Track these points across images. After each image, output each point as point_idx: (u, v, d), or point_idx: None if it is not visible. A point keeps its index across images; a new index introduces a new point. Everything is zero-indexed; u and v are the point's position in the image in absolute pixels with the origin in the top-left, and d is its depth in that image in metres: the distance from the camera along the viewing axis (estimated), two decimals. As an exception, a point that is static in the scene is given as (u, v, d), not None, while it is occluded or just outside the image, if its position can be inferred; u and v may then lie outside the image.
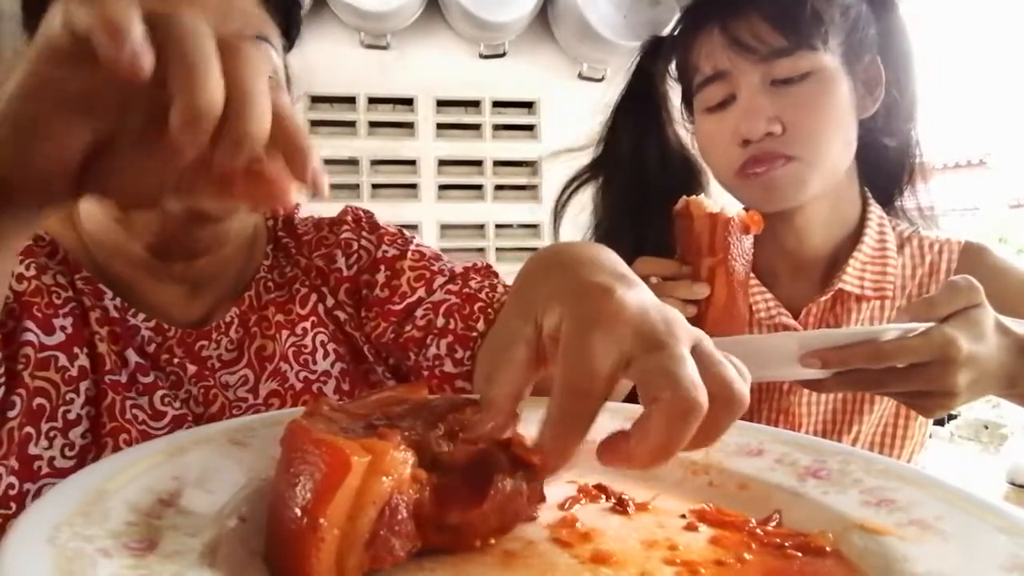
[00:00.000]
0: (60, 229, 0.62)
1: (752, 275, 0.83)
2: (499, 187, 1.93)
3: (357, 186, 1.85)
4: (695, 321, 0.71)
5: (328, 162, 1.84)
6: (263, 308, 0.67)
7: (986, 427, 2.69)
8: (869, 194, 0.89)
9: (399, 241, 0.72)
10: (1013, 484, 2.08)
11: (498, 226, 1.93)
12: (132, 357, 0.59)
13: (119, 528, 0.29)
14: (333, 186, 1.82)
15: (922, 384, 0.60)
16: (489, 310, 0.66)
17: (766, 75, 0.78)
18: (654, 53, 0.94)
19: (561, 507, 0.39)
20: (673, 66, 0.93)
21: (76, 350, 0.57)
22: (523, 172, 1.93)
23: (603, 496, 0.41)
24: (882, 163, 0.89)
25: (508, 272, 0.62)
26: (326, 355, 0.67)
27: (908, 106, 0.86)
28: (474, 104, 1.90)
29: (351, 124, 1.84)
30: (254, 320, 0.66)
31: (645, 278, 0.72)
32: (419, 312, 0.67)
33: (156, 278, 0.62)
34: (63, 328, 0.57)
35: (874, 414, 0.86)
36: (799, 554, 0.34)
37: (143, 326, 0.61)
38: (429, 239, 1.86)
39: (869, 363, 0.59)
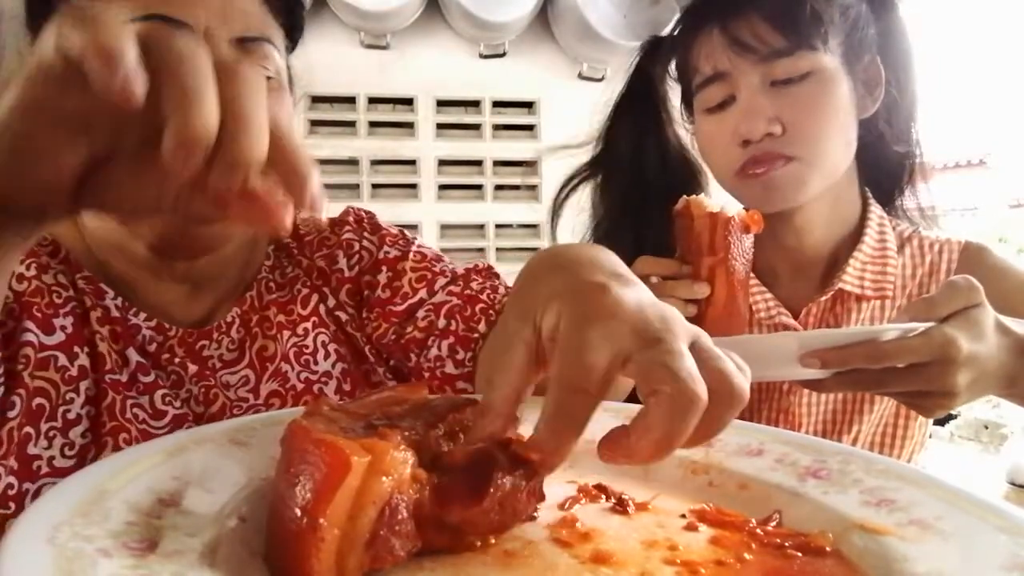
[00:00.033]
0: (62, 228, 0.62)
1: (752, 275, 0.83)
2: (499, 187, 1.93)
3: (357, 186, 1.85)
4: (695, 321, 0.71)
5: (328, 162, 1.84)
6: (264, 308, 0.67)
7: (986, 427, 2.69)
8: (869, 194, 0.89)
9: (401, 242, 0.72)
10: (1013, 484, 2.08)
11: (498, 226, 1.93)
12: (133, 356, 0.59)
13: (119, 528, 0.29)
14: (333, 186, 1.83)
15: (922, 384, 0.60)
16: (490, 311, 0.66)
17: (766, 75, 0.78)
18: (654, 53, 0.94)
19: (561, 507, 0.40)
20: (673, 66, 0.93)
21: (76, 349, 0.57)
22: (523, 172, 1.93)
23: (603, 496, 0.41)
24: (882, 163, 0.89)
25: (508, 272, 0.62)
26: (327, 355, 0.67)
27: (908, 106, 0.86)
28: (474, 104, 1.90)
29: (351, 124, 1.84)
30: (255, 320, 0.66)
31: (645, 278, 0.72)
32: (420, 313, 0.67)
33: (157, 277, 0.62)
34: (63, 328, 0.57)
35: (874, 414, 0.86)
36: (799, 554, 0.34)
37: (144, 325, 0.61)
38: (429, 239, 1.86)
39: (869, 363, 0.59)
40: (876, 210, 0.88)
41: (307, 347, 0.66)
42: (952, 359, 0.58)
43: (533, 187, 1.94)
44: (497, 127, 1.92)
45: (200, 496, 0.34)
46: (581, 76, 1.92)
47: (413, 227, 1.85)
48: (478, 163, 1.91)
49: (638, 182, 0.93)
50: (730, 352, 0.32)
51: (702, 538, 0.36)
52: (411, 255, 0.70)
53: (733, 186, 0.84)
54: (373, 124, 1.86)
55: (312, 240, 0.72)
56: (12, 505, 0.52)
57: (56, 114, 0.31)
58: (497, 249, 1.92)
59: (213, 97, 0.30)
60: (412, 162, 1.88)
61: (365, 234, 0.72)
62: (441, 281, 0.69)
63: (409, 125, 1.87)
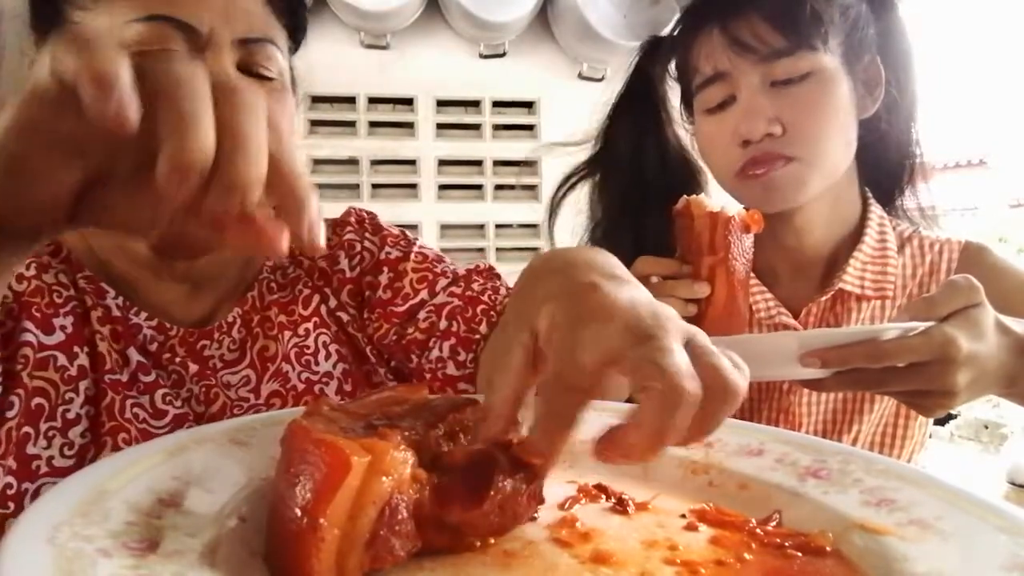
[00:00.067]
0: None
1: (752, 275, 0.83)
2: (499, 187, 1.93)
3: (357, 186, 1.85)
4: (695, 320, 0.71)
5: (328, 162, 1.84)
6: (266, 308, 0.67)
7: (986, 427, 2.70)
8: (870, 194, 0.89)
9: (402, 243, 0.72)
10: (1013, 484, 2.08)
11: (498, 226, 1.93)
12: (134, 356, 0.60)
13: (119, 528, 0.29)
14: (333, 186, 1.83)
15: (922, 383, 0.60)
16: (492, 312, 0.66)
17: (766, 76, 0.78)
18: (653, 53, 0.94)
19: (561, 507, 0.40)
20: (672, 66, 0.93)
21: (76, 349, 0.57)
22: (523, 172, 1.93)
23: (603, 496, 0.41)
24: (882, 163, 0.89)
25: (508, 272, 0.62)
26: (328, 356, 0.67)
27: (908, 106, 0.86)
28: (474, 104, 1.91)
29: (351, 124, 1.84)
30: (256, 320, 0.66)
31: (645, 277, 0.72)
32: (422, 314, 0.67)
33: (158, 277, 0.62)
34: (63, 328, 0.57)
35: (874, 414, 0.86)
36: (799, 554, 0.34)
37: (145, 325, 0.61)
38: (429, 239, 1.86)
39: (869, 362, 0.59)
40: (876, 210, 0.88)
41: (308, 347, 0.66)
42: (952, 358, 0.58)
43: (533, 187, 1.94)
44: (497, 127, 1.92)
45: (200, 496, 0.34)
46: (581, 76, 1.92)
47: (413, 227, 1.85)
48: (478, 163, 1.91)
49: (637, 182, 0.93)
50: (728, 351, 0.32)
51: (702, 538, 0.36)
52: (412, 256, 0.70)
53: (733, 187, 0.84)
54: (373, 124, 1.86)
55: None
56: (11, 505, 0.52)
57: (51, 136, 0.31)
58: (497, 249, 1.92)
59: (209, 120, 0.29)
60: (412, 162, 1.88)
61: (367, 235, 0.72)
62: (442, 282, 0.69)
63: (409, 125, 1.87)
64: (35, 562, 0.25)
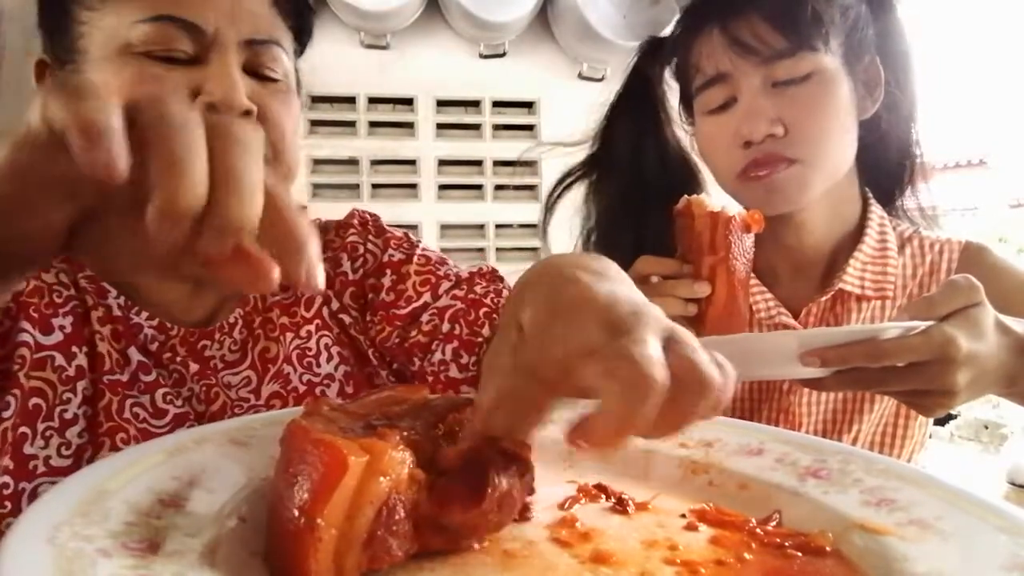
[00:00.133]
0: None
1: (752, 275, 0.83)
2: (499, 187, 1.93)
3: (357, 186, 1.85)
4: (696, 320, 0.71)
5: (328, 162, 1.84)
6: (267, 310, 0.67)
7: (986, 427, 2.70)
8: (870, 194, 0.89)
9: (405, 245, 0.72)
10: (1013, 484, 2.08)
11: (498, 226, 1.93)
12: (135, 355, 0.60)
13: (119, 528, 0.29)
14: (333, 186, 1.83)
15: (922, 383, 0.60)
16: (494, 315, 0.66)
17: (767, 77, 0.78)
18: (652, 54, 0.94)
19: (561, 507, 0.40)
20: (671, 68, 0.93)
21: (74, 349, 0.57)
22: (523, 172, 1.93)
23: (603, 496, 0.41)
24: (882, 163, 0.89)
25: (509, 272, 0.62)
26: (330, 358, 0.67)
27: (908, 106, 0.86)
28: (474, 104, 1.90)
29: (351, 124, 1.84)
30: (258, 322, 0.66)
31: (646, 277, 0.72)
32: (424, 317, 0.67)
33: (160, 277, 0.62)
34: (62, 327, 0.57)
35: (874, 414, 0.86)
36: (799, 554, 0.34)
37: (146, 324, 0.61)
38: (429, 239, 1.86)
39: (869, 361, 0.59)
40: (876, 210, 0.88)
41: (310, 349, 0.66)
42: (952, 358, 0.58)
43: (533, 187, 1.94)
44: (497, 127, 1.92)
45: (200, 496, 0.34)
46: (581, 76, 1.92)
47: (413, 227, 1.85)
48: (478, 163, 1.91)
49: (637, 182, 0.93)
50: (714, 353, 0.31)
51: (702, 538, 0.36)
52: (415, 258, 0.70)
53: (735, 188, 0.84)
54: (373, 124, 1.86)
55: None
56: (8, 504, 0.52)
57: (43, 179, 0.31)
58: (497, 249, 1.92)
59: (201, 164, 0.29)
60: (412, 162, 1.88)
61: (370, 237, 0.72)
62: (445, 285, 0.69)
63: (409, 125, 1.87)
64: (35, 562, 0.25)
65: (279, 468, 0.32)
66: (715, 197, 0.73)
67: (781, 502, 0.39)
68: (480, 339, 0.65)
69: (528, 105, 1.94)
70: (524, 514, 0.38)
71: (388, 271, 0.70)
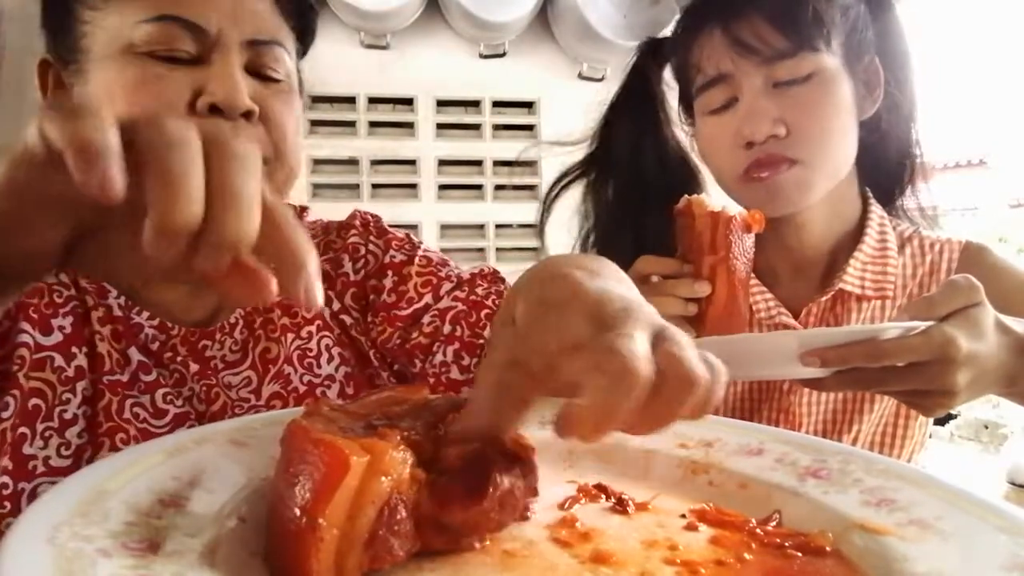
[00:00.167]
0: None
1: (752, 275, 0.83)
2: (499, 187, 1.93)
3: (357, 186, 1.85)
4: (696, 320, 0.71)
5: (328, 162, 1.84)
6: (268, 310, 0.67)
7: (986, 427, 2.69)
8: (870, 194, 0.89)
9: (407, 246, 0.72)
10: (1013, 484, 2.08)
11: (498, 226, 1.93)
12: (135, 355, 0.60)
13: (119, 528, 0.29)
14: (333, 186, 1.83)
15: (922, 383, 0.60)
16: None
17: (768, 77, 0.78)
18: (651, 54, 0.94)
19: (561, 507, 0.40)
20: (671, 68, 0.92)
21: (74, 350, 0.57)
22: (523, 172, 1.93)
23: (603, 496, 0.41)
24: (882, 163, 0.89)
25: (509, 272, 0.62)
26: (331, 359, 0.67)
27: (908, 106, 0.86)
28: (474, 104, 1.90)
29: (351, 124, 1.84)
30: (259, 322, 0.66)
31: (646, 277, 0.72)
32: (426, 319, 0.67)
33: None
34: (61, 328, 0.57)
35: (874, 414, 0.86)
36: (799, 554, 0.34)
37: (147, 324, 0.61)
38: (429, 239, 1.86)
39: (869, 361, 0.59)
40: (877, 210, 0.88)
41: (311, 350, 0.66)
42: (952, 358, 0.58)
43: (533, 187, 1.94)
44: (497, 127, 1.92)
45: (200, 496, 0.34)
46: (581, 76, 1.92)
47: (413, 227, 1.85)
48: (478, 163, 1.91)
49: (636, 182, 0.93)
50: (706, 352, 0.31)
51: (702, 538, 0.36)
52: (417, 260, 0.70)
53: (736, 189, 0.84)
54: (373, 124, 1.86)
55: (318, 243, 0.72)
56: (7, 504, 0.52)
57: (40, 197, 0.31)
58: (497, 249, 1.92)
59: (198, 182, 0.29)
60: (412, 162, 1.88)
61: (371, 238, 0.72)
62: (446, 286, 0.69)
63: (409, 125, 1.87)
64: (35, 562, 0.25)
65: (279, 468, 0.32)
66: (715, 197, 0.73)
67: (781, 502, 0.39)
68: (481, 340, 0.65)
69: (528, 105, 1.94)
70: (524, 514, 0.38)
71: (389, 272, 0.70)
